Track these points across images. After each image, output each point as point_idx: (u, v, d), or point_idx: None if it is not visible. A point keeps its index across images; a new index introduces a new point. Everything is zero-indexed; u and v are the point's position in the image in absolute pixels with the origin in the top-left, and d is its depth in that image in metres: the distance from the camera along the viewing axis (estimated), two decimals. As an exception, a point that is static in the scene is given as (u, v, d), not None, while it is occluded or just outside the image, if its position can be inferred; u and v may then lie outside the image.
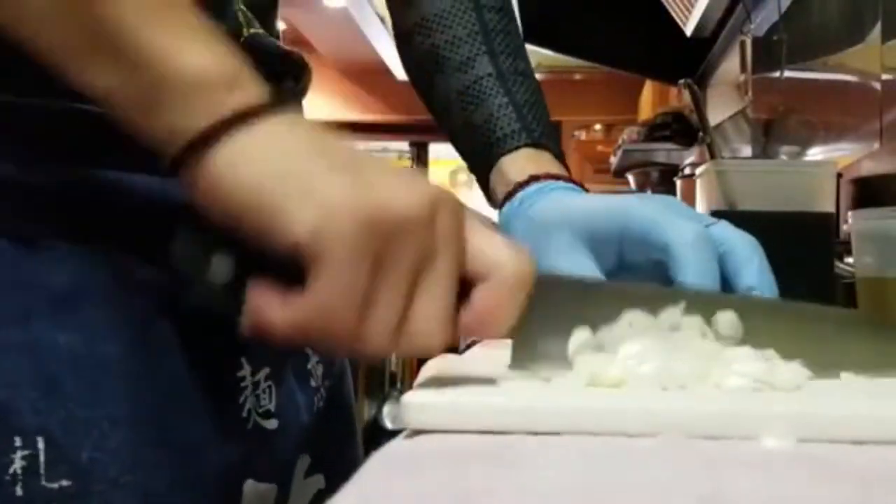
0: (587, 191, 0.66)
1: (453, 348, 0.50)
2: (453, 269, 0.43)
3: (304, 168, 0.41)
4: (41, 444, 0.48)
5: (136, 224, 0.51)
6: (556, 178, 0.65)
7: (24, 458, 0.47)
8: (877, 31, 1.50)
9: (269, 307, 0.41)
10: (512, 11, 0.73)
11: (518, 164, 0.67)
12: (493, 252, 0.44)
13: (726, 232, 0.56)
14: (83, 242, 0.50)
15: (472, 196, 0.68)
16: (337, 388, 0.68)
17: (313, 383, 0.64)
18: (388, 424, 0.43)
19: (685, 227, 0.54)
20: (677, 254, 0.54)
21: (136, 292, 0.51)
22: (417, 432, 0.41)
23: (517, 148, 0.68)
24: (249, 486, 0.56)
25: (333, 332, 0.41)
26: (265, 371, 0.58)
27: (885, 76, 1.48)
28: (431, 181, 0.44)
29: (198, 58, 0.42)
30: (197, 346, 0.53)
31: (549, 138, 0.69)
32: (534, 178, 0.65)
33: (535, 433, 0.40)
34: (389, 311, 0.41)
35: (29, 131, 0.50)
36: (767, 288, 0.55)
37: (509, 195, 0.66)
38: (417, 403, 0.41)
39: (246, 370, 0.56)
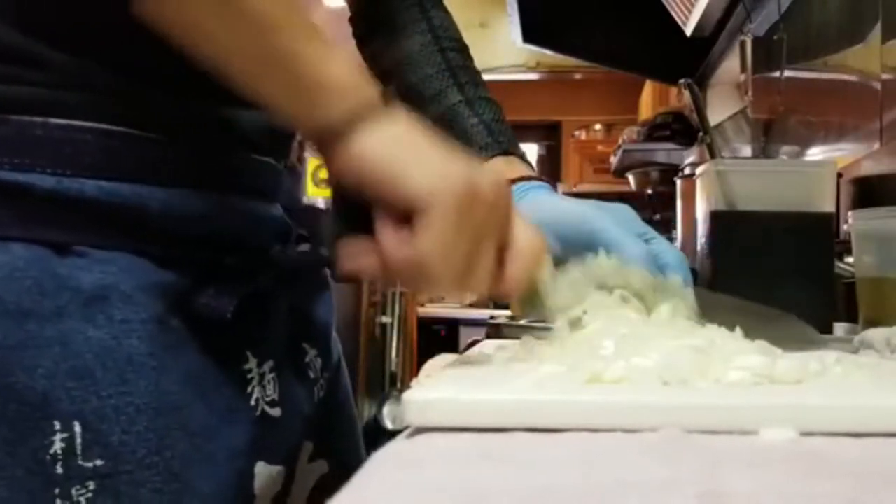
0: (555, 188, 0.80)
1: (454, 347, 0.55)
2: (500, 235, 0.56)
3: (419, 148, 0.56)
4: (77, 428, 0.55)
5: (154, 232, 0.59)
6: (529, 178, 0.79)
7: (63, 440, 0.54)
8: (877, 31, 1.50)
9: (390, 242, 0.54)
10: (468, 49, 0.88)
11: (495, 170, 0.78)
12: (521, 229, 0.58)
13: (662, 247, 0.72)
14: (110, 249, 0.57)
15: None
16: (335, 380, 0.77)
17: (311, 375, 0.72)
18: (388, 424, 0.44)
19: (636, 244, 0.71)
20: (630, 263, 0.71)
21: (156, 293, 0.58)
22: (418, 431, 0.41)
23: (492, 157, 0.80)
24: (261, 467, 0.63)
25: (426, 270, 0.53)
26: (269, 364, 0.65)
27: (885, 76, 1.48)
28: (493, 170, 0.60)
29: (339, 69, 0.56)
30: (207, 342, 0.60)
31: (514, 146, 0.82)
32: (511, 182, 0.76)
33: (535, 430, 0.40)
34: (463, 260, 0.54)
35: (64, 149, 0.56)
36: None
37: None
38: (418, 402, 0.41)
39: (252, 363, 0.64)
